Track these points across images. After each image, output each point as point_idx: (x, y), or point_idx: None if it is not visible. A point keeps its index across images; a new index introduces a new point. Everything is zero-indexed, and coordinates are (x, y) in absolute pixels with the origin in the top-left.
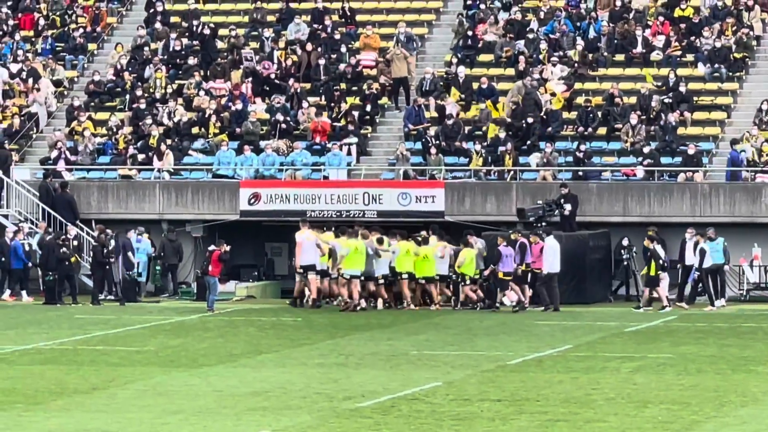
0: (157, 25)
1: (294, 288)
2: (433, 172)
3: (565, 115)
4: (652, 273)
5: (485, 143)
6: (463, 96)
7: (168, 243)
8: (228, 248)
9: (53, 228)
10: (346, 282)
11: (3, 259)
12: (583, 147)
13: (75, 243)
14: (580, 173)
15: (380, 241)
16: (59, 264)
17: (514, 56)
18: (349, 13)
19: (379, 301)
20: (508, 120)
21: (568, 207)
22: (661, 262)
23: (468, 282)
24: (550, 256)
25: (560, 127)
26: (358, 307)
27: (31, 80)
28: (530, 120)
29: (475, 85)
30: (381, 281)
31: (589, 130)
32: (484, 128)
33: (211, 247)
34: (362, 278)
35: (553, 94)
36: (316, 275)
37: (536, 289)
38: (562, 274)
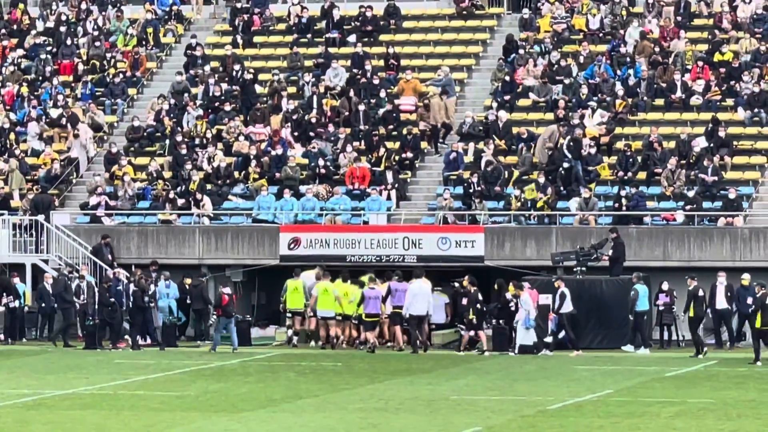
0: (197, 69)
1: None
2: (475, 216)
3: (605, 159)
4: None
5: (524, 188)
6: (502, 142)
7: (192, 289)
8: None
9: (93, 273)
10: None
11: (44, 304)
12: (623, 192)
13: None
14: (620, 217)
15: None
16: (100, 308)
17: (553, 101)
18: (393, 60)
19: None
20: (545, 165)
21: (610, 252)
22: (478, 306)
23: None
24: (408, 298)
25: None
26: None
27: (70, 125)
28: (567, 165)
29: (515, 130)
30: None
31: (629, 174)
32: (521, 172)
33: (228, 291)
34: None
35: (593, 138)
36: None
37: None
38: (603, 319)
